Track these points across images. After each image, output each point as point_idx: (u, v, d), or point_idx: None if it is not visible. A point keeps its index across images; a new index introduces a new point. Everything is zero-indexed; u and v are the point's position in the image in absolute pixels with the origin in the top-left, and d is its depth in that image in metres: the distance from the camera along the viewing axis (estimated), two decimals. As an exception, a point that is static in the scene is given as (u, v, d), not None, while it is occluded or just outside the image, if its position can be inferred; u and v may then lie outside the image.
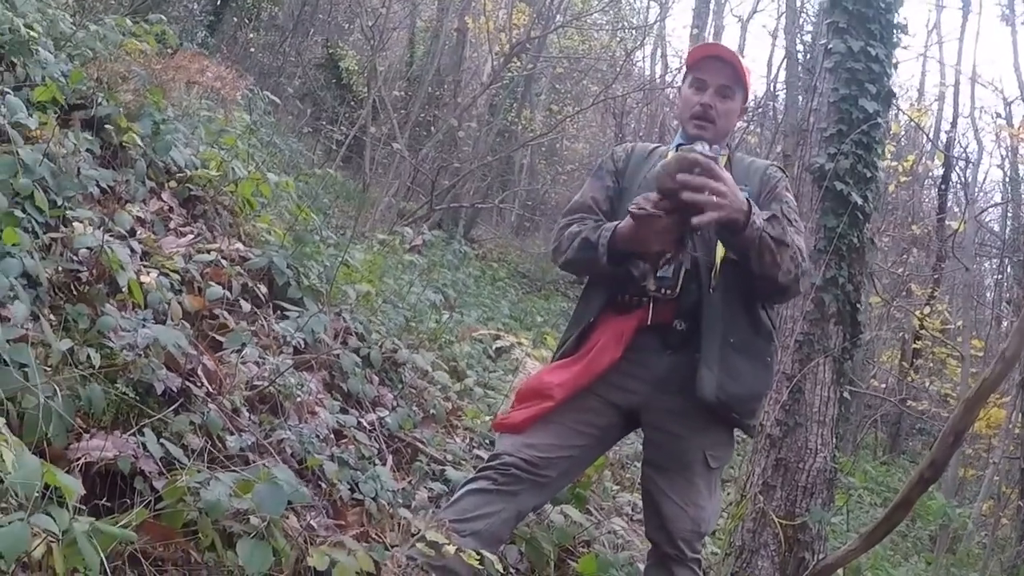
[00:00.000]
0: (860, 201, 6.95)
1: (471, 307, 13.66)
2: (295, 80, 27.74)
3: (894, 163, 15.82)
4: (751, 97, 4.12)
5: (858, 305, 7.02)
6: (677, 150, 3.66)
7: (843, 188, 6.93)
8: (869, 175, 7.07)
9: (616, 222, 3.63)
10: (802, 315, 6.72)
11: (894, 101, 7.97)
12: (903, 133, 18.62)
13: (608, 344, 3.65)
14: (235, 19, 24.57)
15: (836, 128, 7.14)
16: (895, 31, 7.47)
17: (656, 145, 4.15)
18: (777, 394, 6.77)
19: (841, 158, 6.98)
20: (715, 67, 3.83)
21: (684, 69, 4.08)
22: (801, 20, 21.97)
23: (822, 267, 6.81)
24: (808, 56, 19.11)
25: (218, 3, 19.81)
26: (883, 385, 22.97)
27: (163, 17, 8.26)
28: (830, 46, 7.33)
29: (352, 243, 9.16)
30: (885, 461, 21.89)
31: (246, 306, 5.21)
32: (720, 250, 3.59)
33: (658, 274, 3.56)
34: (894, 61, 7.51)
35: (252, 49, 26.46)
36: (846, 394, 6.99)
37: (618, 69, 26.66)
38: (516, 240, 30.17)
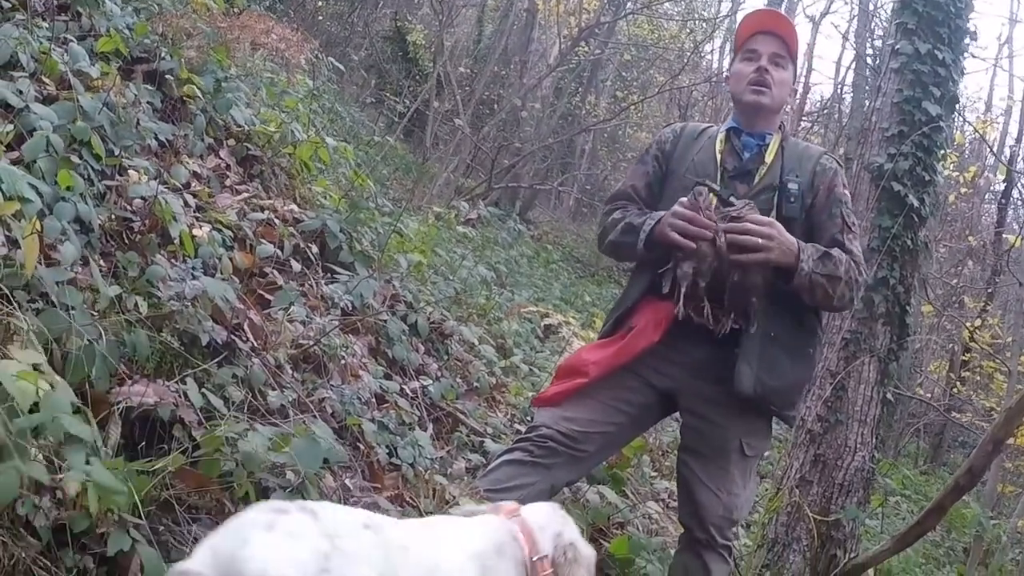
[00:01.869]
0: (916, 203, 6.89)
1: (522, 287, 13.60)
2: (361, 51, 27.77)
3: (955, 173, 15.63)
4: (798, 72, 4.10)
5: (907, 307, 6.97)
6: (727, 133, 3.70)
7: (900, 189, 6.88)
8: (927, 178, 7.02)
9: (662, 213, 3.63)
10: (850, 312, 6.67)
11: (957, 107, 7.90)
12: (967, 143, 18.39)
13: (647, 328, 3.64)
14: (304, -15, 24.63)
15: (898, 129, 7.10)
16: (964, 36, 7.41)
17: (708, 125, 4.11)
18: (820, 390, 6.75)
19: (900, 159, 6.94)
20: (767, 39, 3.82)
21: (735, 50, 4.04)
22: (873, 24, 21.80)
23: (874, 267, 6.76)
24: (877, 59, 18.97)
25: (288, -30, 19.82)
26: (929, 395, 22.78)
27: (228, -27, 8.29)
28: (897, 47, 7.28)
29: (407, 214, 9.18)
30: (925, 471, 21.73)
31: (296, 266, 5.22)
32: None
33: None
34: (961, 67, 7.44)
35: (320, 17, 26.49)
36: (889, 395, 6.94)
37: (686, 60, 26.52)
38: (572, 224, 30.06)
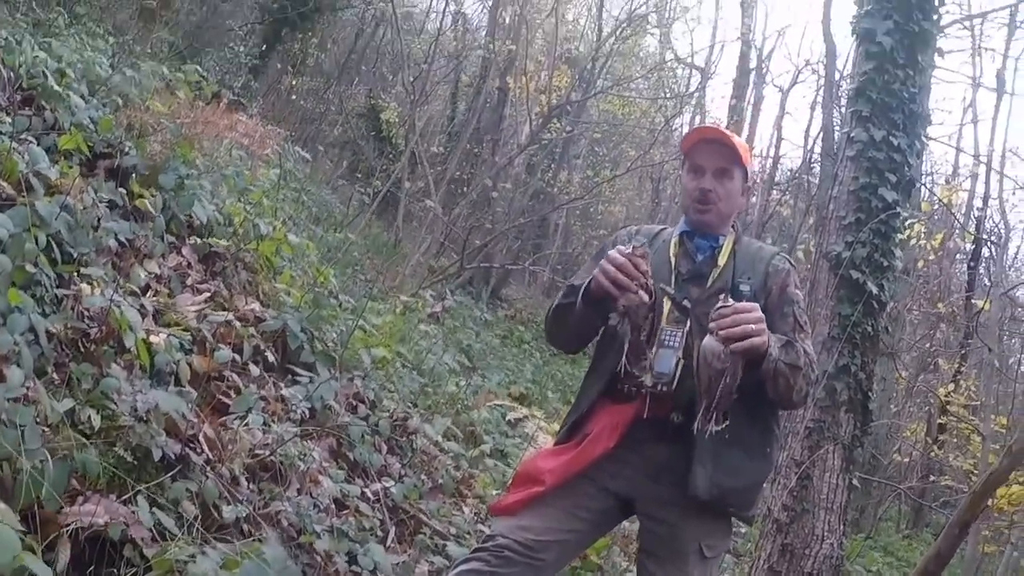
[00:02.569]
0: (876, 290, 6.97)
1: (494, 369, 13.60)
2: (336, 128, 27.89)
3: (923, 242, 15.80)
4: (751, 175, 4.06)
5: (869, 393, 7.03)
6: (681, 237, 3.70)
7: (859, 277, 6.97)
8: (886, 264, 7.11)
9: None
10: (813, 402, 6.70)
11: (914, 190, 8.01)
12: (935, 208, 18.60)
13: (602, 434, 3.61)
14: (279, 65, 24.76)
15: (855, 216, 7.20)
16: (919, 120, 7.50)
17: (663, 228, 4.11)
18: (785, 480, 6.76)
19: (859, 246, 7.01)
20: (710, 150, 3.80)
21: (682, 156, 4.04)
22: (840, 93, 22.07)
23: (835, 355, 6.80)
24: (835, 140, 19.17)
25: (264, 48, 19.91)
26: (906, 459, 22.87)
27: (198, 68, 8.32)
28: (852, 134, 7.40)
29: (377, 301, 9.16)
30: (908, 535, 21.73)
31: (255, 370, 5.17)
32: None
33: (656, 369, 3.53)
34: (917, 150, 7.54)
35: (294, 96, 26.63)
36: (855, 481, 6.96)
37: (656, 135, 26.73)
38: (546, 301, 30.08)
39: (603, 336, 3.77)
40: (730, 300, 3.38)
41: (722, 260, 3.75)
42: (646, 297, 3.38)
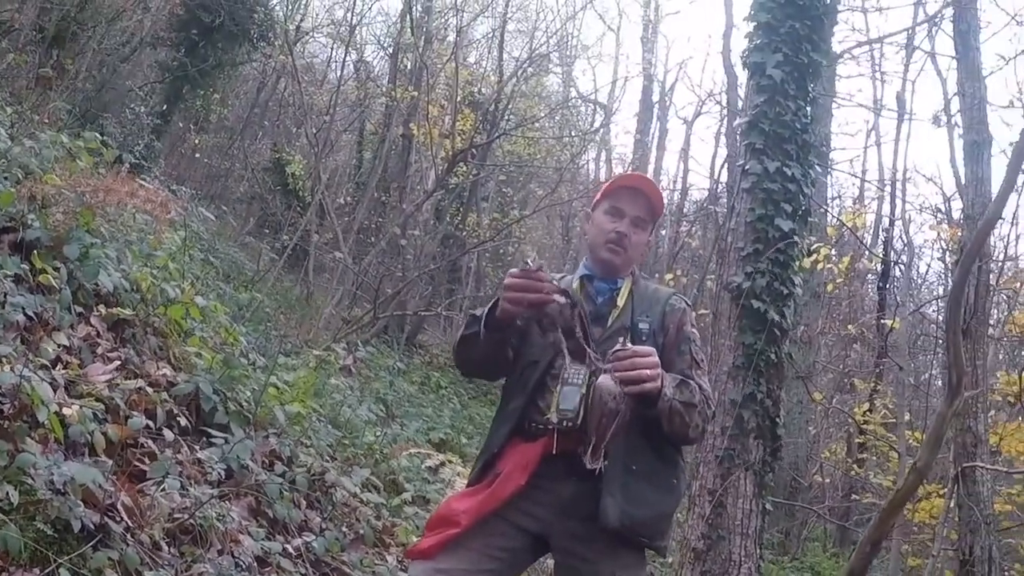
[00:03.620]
0: (777, 318, 7.10)
1: (412, 417, 13.62)
2: (242, 183, 27.81)
3: (830, 265, 16.07)
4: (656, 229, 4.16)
5: (777, 419, 7.15)
6: (582, 280, 3.81)
7: (760, 306, 7.09)
8: (786, 292, 7.24)
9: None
10: (722, 431, 6.82)
11: (810, 219, 8.18)
12: (840, 231, 18.86)
13: (513, 472, 3.67)
14: (182, 123, 24.65)
15: (753, 247, 7.33)
16: (811, 150, 7.67)
17: (563, 275, 4.20)
18: (700, 508, 6.86)
19: (758, 276, 7.14)
20: (633, 198, 3.91)
21: (599, 196, 4.12)
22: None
23: (741, 383, 6.92)
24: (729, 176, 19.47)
25: (165, 107, 19.85)
26: (827, 479, 23.07)
27: (97, 134, 8.31)
28: (747, 167, 7.53)
29: (290, 356, 9.17)
30: (834, 553, 21.92)
31: (170, 435, 5.20)
32: None
33: (561, 406, 3.62)
34: (811, 178, 7.69)
35: (198, 154, 26.53)
36: (768, 505, 7.08)
37: (563, 173, 26.90)
38: (462, 346, 30.04)
39: (510, 378, 3.86)
40: (628, 344, 3.48)
41: (621, 301, 3.85)
42: (563, 297, 3.48)
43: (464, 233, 26.60)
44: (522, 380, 3.74)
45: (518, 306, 3.50)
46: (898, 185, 24.56)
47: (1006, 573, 11.73)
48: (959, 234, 13.74)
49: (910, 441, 15.30)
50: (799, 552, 19.53)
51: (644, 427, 3.61)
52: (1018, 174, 6.46)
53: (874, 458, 21.58)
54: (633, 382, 3.39)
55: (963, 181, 13.05)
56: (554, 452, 3.61)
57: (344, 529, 6.14)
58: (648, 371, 3.42)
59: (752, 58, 8.03)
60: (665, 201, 4.07)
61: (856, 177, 28.61)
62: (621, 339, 3.53)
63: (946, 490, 12.32)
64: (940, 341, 20.90)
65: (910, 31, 20.80)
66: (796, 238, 7.43)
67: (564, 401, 3.62)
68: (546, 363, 3.68)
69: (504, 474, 3.67)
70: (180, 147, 26.11)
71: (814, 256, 13.88)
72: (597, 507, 3.54)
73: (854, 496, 21.30)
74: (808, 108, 7.80)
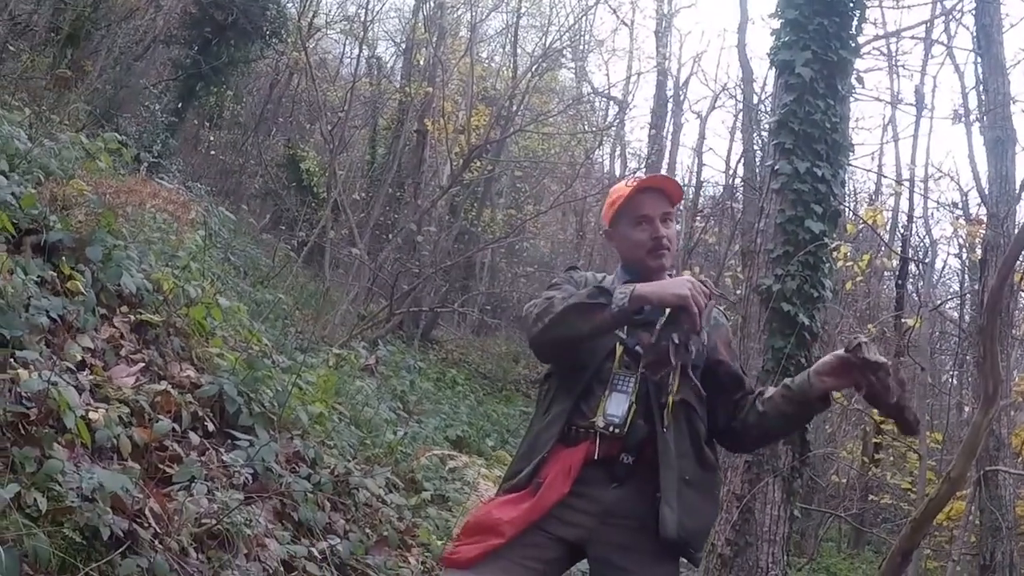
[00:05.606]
0: (807, 321, 7.01)
1: (430, 414, 13.60)
2: (256, 179, 27.82)
3: (849, 263, 15.96)
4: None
5: (807, 425, 7.06)
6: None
7: (790, 309, 7.01)
8: (816, 295, 7.15)
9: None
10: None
11: (840, 219, 8.09)
12: (860, 229, 18.72)
13: (556, 479, 3.61)
14: (196, 120, 24.68)
15: (783, 249, 7.23)
16: (841, 150, 7.57)
17: (604, 276, 4.13)
18: (727, 514, 6.80)
19: (788, 279, 7.06)
20: (652, 198, 3.84)
21: (614, 210, 3.98)
22: (759, 117, 22.22)
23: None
24: (757, 167, 19.37)
25: (179, 105, 19.87)
26: (844, 480, 22.97)
27: (116, 135, 8.29)
28: (777, 167, 7.42)
29: (308, 354, 9.14)
30: (850, 554, 21.83)
31: (195, 437, 5.18)
32: (674, 390, 3.62)
33: (608, 411, 3.58)
34: (841, 179, 7.61)
35: (212, 151, 26.54)
36: (796, 512, 7.02)
37: (578, 169, 26.85)
38: (477, 340, 30.14)
39: (554, 379, 3.81)
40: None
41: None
42: (705, 326, 3.50)
43: (479, 229, 26.57)
44: (568, 383, 3.69)
45: (694, 299, 3.44)
46: (918, 181, 24.37)
47: (1025, 581, 11.61)
48: (979, 232, 13.64)
49: (929, 443, 15.23)
50: (815, 554, 19.45)
51: (690, 430, 3.59)
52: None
53: (891, 459, 21.51)
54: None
55: (983, 177, 12.95)
56: (596, 457, 3.57)
57: (367, 531, 6.12)
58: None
59: (780, 56, 7.95)
60: (679, 185, 4.00)
61: (874, 173, 28.45)
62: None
63: (967, 493, 12.27)
64: (957, 340, 20.87)
65: (928, 24, 20.68)
66: (826, 240, 7.35)
67: (612, 407, 3.58)
68: (595, 367, 3.62)
69: (547, 482, 3.61)
70: (194, 144, 26.15)
71: (835, 255, 13.83)
72: (643, 516, 3.51)
73: (871, 497, 21.22)
74: (838, 107, 7.70)
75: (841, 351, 3.43)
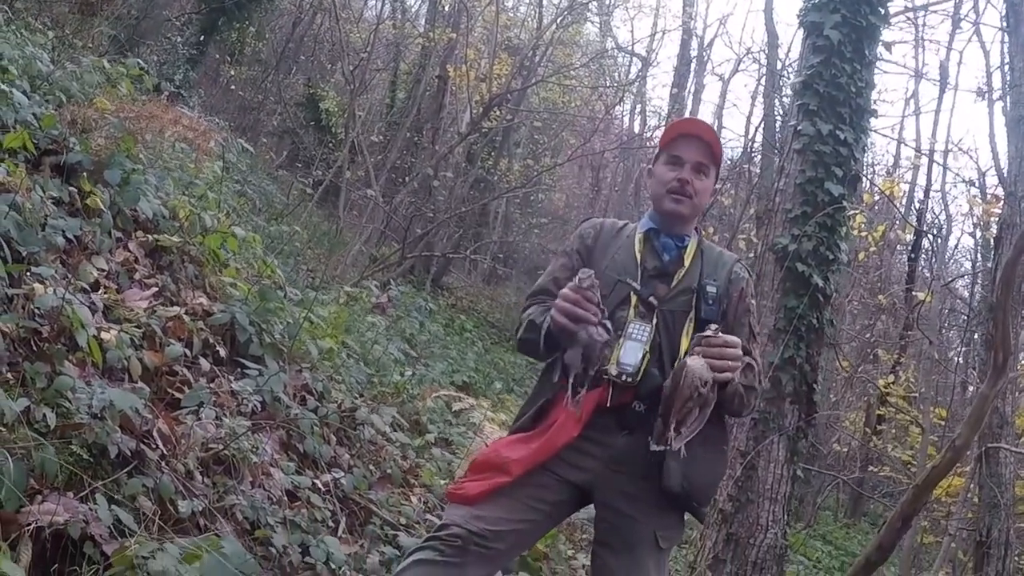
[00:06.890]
0: (821, 283, 7.01)
1: (437, 358, 13.63)
2: (275, 117, 27.77)
3: (864, 233, 15.91)
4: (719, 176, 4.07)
5: (814, 385, 7.08)
6: (647, 233, 3.74)
7: (805, 270, 7.00)
8: (831, 257, 7.13)
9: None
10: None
11: (860, 184, 8.07)
12: (876, 200, 18.66)
13: (566, 422, 3.62)
14: (217, 55, 24.61)
15: (801, 210, 7.21)
16: (865, 115, 7.54)
17: (625, 223, 4.12)
18: (731, 470, 6.82)
19: (804, 240, 7.04)
20: (692, 145, 3.81)
21: (658, 149, 4.03)
22: (780, 82, 22.12)
23: (781, 346, 6.86)
24: (778, 130, 19.26)
25: (201, 38, 19.80)
26: (845, 449, 23.02)
27: (139, 61, 8.28)
28: (799, 128, 7.39)
29: (320, 291, 9.16)
30: (846, 524, 21.93)
31: (205, 364, 5.20)
32: (684, 340, 3.62)
33: (621, 360, 3.58)
34: (863, 144, 7.58)
35: (233, 87, 26.49)
36: (799, 472, 7.03)
37: (597, 124, 26.77)
38: (487, 289, 30.19)
39: None
40: (719, 332, 3.43)
41: (687, 260, 3.78)
42: (606, 335, 3.44)
43: (495, 178, 26.53)
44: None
45: (563, 318, 3.44)
46: (937, 156, 24.25)
47: (1018, 558, 11.68)
48: (995, 210, 13.59)
49: (932, 417, 15.24)
50: (813, 521, 19.52)
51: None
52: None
53: (892, 431, 21.54)
54: (720, 370, 3.35)
55: (1002, 156, 12.89)
56: (607, 405, 3.57)
57: (371, 467, 6.15)
58: (732, 362, 3.39)
59: (809, 17, 7.89)
60: (722, 147, 3.98)
61: (895, 141, 28.32)
62: (714, 327, 3.47)
63: (966, 469, 12.29)
64: (965, 318, 20.83)
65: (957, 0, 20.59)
66: (845, 203, 7.34)
67: (626, 355, 3.58)
68: (607, 315, 3.58)
69: (558, 424, 3.62)
70: (214, 79, 26.08)
71: (851, 222, 13.79)
72: (649, 466, 3.51)
73: (870, 467, 21.28)
74: (863, 72, 7.67)
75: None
